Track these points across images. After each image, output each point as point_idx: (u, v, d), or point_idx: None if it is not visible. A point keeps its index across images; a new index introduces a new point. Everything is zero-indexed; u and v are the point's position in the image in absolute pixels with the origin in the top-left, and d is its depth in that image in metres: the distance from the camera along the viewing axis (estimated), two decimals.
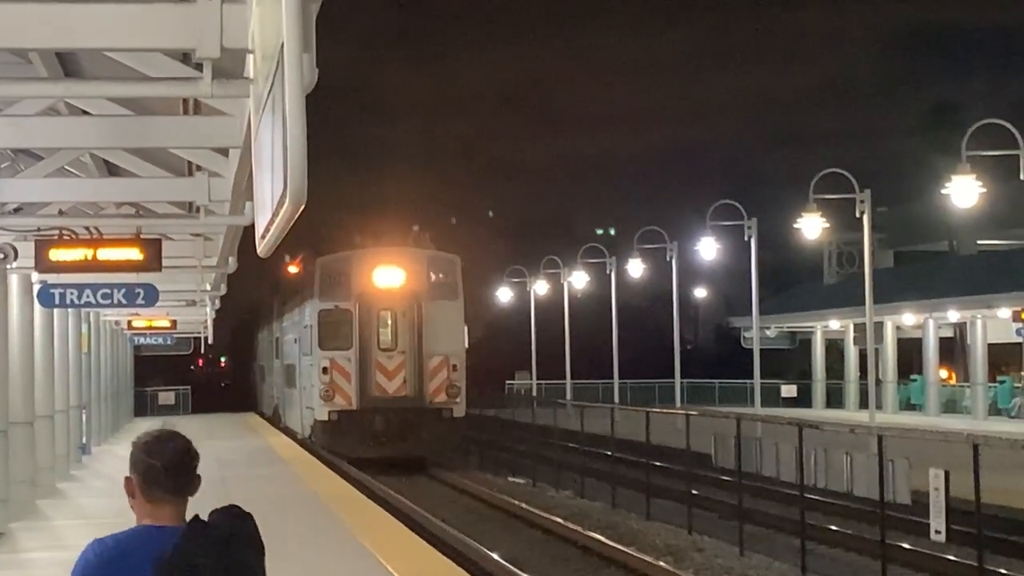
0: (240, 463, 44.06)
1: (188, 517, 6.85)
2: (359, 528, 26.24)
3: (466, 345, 54.08)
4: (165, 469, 6.84)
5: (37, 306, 32.38)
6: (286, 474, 39.92)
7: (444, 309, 51.60)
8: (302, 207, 9.30)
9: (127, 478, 6.86)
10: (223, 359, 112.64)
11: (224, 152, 20.65)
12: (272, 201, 10.62)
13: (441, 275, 52.56)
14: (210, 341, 72.20)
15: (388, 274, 51.78)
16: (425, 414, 50.30)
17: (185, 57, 15.42)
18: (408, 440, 49.71)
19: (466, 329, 54.78)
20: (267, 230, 11.81)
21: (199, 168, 22.77)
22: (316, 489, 34.52)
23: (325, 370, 50.52)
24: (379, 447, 49.41)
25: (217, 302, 53.64)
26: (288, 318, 66.07)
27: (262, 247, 13.27)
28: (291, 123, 8.80)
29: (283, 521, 27.23)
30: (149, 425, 9.19)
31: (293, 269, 66.60)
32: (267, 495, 32.25)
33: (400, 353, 50.96)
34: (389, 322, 51.57)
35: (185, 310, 53.09)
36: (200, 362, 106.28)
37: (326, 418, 50.53)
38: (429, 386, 50.75)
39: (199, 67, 13.70)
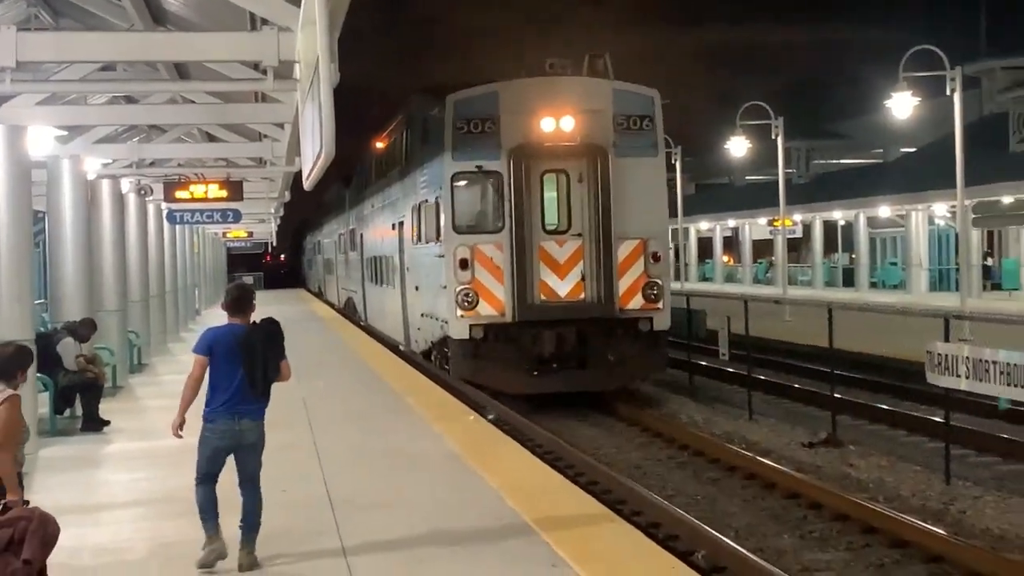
0: (295, 320, 43.83)
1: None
2: (370, 359, 26.30)
3: (669, 226, 25.32)
4: (231, 300, 9.26)
5: (166, 224, 32.15)
6: (323, 328, 39.63)
7: (639, 170, 22.26)
8: (332, 159, 9.51)
9: (221, 303, 9.47)
10: (282, 255, 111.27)
11: (280, 126, 20.16)
12: (313, 155, 10.53)
13: (634, 119, 22.67)
14: (274, 244, 72.28)
15: (557, 117, 21.94)
16: (615, 327, 21.84)
17: (255, 66, 15.05)
18: (590, 367, 21.66)
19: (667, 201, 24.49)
20: (309, 173, 11.81)
21: (265, 136, 22.48)
22: (342, 335, 34.54)
23: (464, 264, 21.87)
24: (547, 379, 21.52)
25: (278, 220, 53.36)
26: (379, 200, 33.15)
27: (307, 184, 13.31)
28: (324, 108, 8.81)
29: (322, 353, 27.49)
30: None
31: (380, 145, 33.31)
32: (312, 340, 32.34)
33: (575, 236, 21.98)
34: (559, 191, 22.31)
35: (258, 225, 52.51)
36: (267, 257, 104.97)
37: (467, 336, 21.78)
38: (620, 286, 21.91)
39: (264, 72, 13.69)
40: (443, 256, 21.67)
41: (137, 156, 23.05)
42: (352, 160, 42.78)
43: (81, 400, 16.65)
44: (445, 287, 21.52)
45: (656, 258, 21.52)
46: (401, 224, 27.42)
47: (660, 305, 21.43)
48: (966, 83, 29.79)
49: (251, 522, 8.96)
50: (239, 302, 9.15)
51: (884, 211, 51.35)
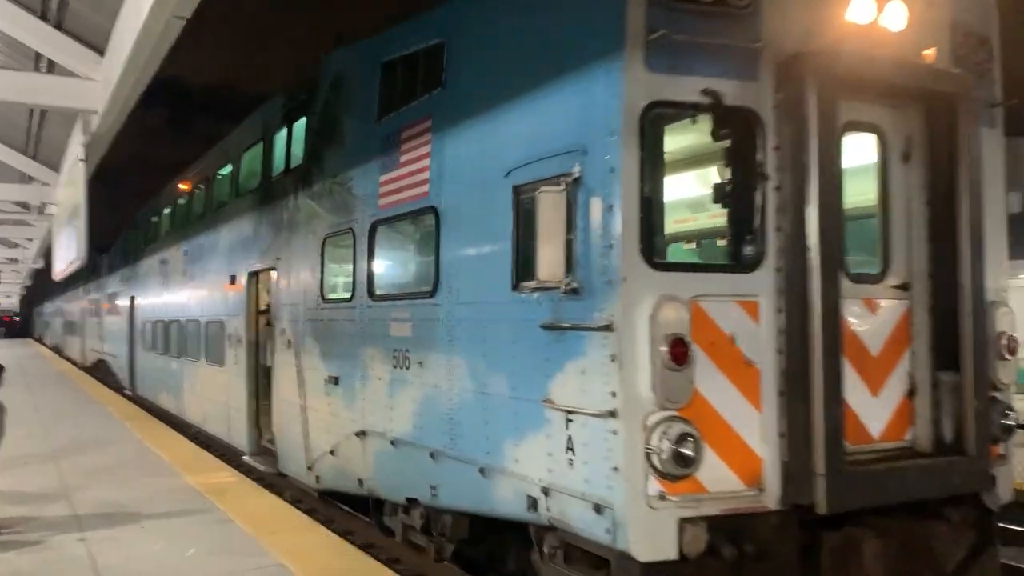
0: (30, 357, 42.49)
1: None
2: (91, 390, 23.82)
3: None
4: None
5: None
6: (47, 362, 36.93)
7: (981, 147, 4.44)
8: (84, 263, 10.87)
9: None
10: (17, 318, 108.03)
11: (31, 239, 21.83)
12: (68, 261, 12.15)
13: (973, 42, 4.64)
14: (17, 313, 72.66)
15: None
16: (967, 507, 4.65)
17: (23, 205, 16.71)
18: None
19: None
20: (64, 271, 13.25)
21: (18, 245, 23.92)
22: (63, 369, 32.12)
23: (680, 355, 3.82)
24: None
25: (18, 298, 52.93)
26: (182, 252, 13.26)
27: (58, 277, 14.96)
28: (81, 235, 10.13)
29: (49, 384, 25.80)
30: None
31: (183, 187, 14.25)
32: (41, 371, 30.48)
33: (896, 291, 4.36)
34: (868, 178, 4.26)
35: (6, 299, 52.54)
36: (6, 318, 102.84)
37: (675, 552, 3.81)
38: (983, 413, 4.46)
39: (29, 209, 15.96)
40: (582, 329, 5.40)
41: None
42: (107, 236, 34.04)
43: None
44: (606, 417, 5.19)
45: (1012, 349, 6.55)
46: (252, 275, 12.02)
47: (1003, 451, 6.57)
48: None
49: None
50: None
51: None
